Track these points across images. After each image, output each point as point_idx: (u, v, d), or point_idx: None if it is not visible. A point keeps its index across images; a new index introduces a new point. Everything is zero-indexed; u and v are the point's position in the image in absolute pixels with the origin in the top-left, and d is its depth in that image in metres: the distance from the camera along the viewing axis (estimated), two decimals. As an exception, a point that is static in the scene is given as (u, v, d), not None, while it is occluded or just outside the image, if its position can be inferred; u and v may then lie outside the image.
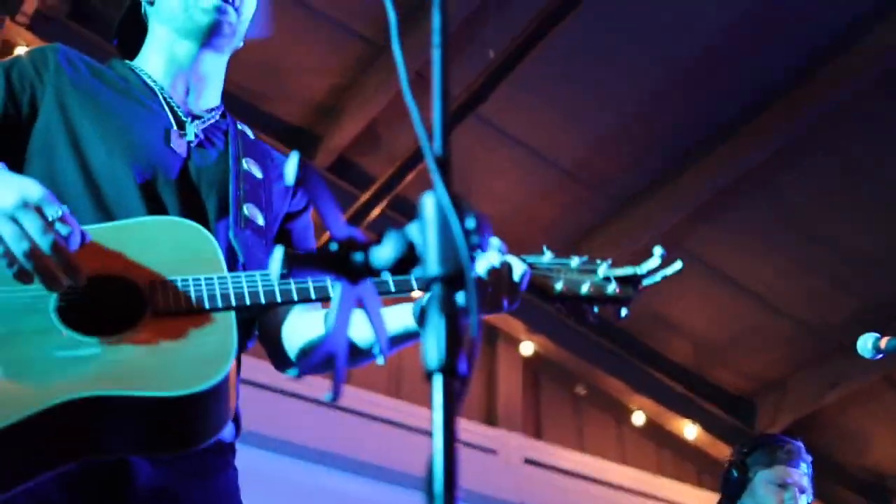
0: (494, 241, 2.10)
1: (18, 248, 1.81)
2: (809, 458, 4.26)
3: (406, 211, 7.46)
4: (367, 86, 6.81)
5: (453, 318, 1.21)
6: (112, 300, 1.94)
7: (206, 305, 1.96)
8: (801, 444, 4.29)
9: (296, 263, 1.24)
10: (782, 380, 8.54)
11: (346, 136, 7.12)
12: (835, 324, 7.84)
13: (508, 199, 7.42)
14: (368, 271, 1.30)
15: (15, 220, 1.81)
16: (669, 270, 2.21)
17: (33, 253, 1.81)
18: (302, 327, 2.30)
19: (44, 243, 1.81)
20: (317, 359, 1.26)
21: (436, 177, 1.29)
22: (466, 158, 6.72)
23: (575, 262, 2.21)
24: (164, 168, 2.25)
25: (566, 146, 7.16)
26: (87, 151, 2.21)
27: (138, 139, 2.26)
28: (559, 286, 2.18)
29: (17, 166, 2.21)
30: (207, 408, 1.89)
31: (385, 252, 1.29)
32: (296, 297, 2.03)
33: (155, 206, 2.18)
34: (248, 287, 1.99)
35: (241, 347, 2.22)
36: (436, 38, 1.39)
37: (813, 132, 6.63)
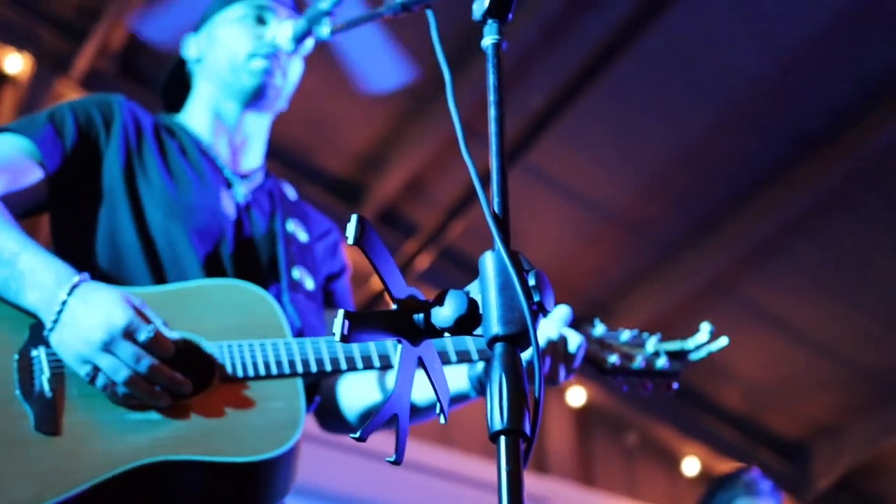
0: (562, 312, 2.12)
1: (118, 377, 1.85)
2: (769, 484, 4.17)
3: (454, 260, 7.46)
4: (412, 136, 6.85)
5: (517, 377, 1.21)
6: (181, 364, 1.95)
7: (275, 371, 1.97)
8: (758, 473, 4.21)
9: (358, 325, 1.23)
10: (838, 425, 8.39)
11: (392, 187, 7.15)
12: (890, 367, 7.71)
13: (554, 245, 7.40)
14: (430, 332, 1.30)
15: (110, 352, 1.84)
16: (715, 346, 2.26)
17: (133, 380, 1.84)
18: (359, 390, 2.30)
19: (141, 369, 1.84)
20: (380, 421, 1.25)
21: (496, 235, 1.29)
22: (512, 206, 6.70)
23: (626, 334, 2.26)
24: (217, 230, 2.27)
25: (612, 192, 7.14)
26: (145, 211, 2.23)
27: (193, 201, 2.28)
28: (613, 359, 2.22)
29: (72, 207, 2.23)
30: (276, 474, 1.90)
31: (446, 312, 1.28)
32: (360, 366, 2.04)
33: (209, 268, 2.20)
34: (314, 354, 2.01)
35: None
36: (492, 96, 1.40)
37: (862, 174, 6.56)
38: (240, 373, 1.95)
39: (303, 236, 2.45)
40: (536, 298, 1.24)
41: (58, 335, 1.87)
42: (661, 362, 2.26)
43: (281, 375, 1.97)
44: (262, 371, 1.96)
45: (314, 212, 2.60)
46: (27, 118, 2.26)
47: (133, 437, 1.83)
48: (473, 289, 1.29)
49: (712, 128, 6.58)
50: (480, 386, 2.11)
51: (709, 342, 2.29)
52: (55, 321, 1.87)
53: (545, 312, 1.25)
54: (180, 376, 1.89)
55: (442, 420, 1.36)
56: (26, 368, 1.87)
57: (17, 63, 6.34)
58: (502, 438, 1.17)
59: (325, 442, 6.71)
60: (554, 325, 2.14)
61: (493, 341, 1.23)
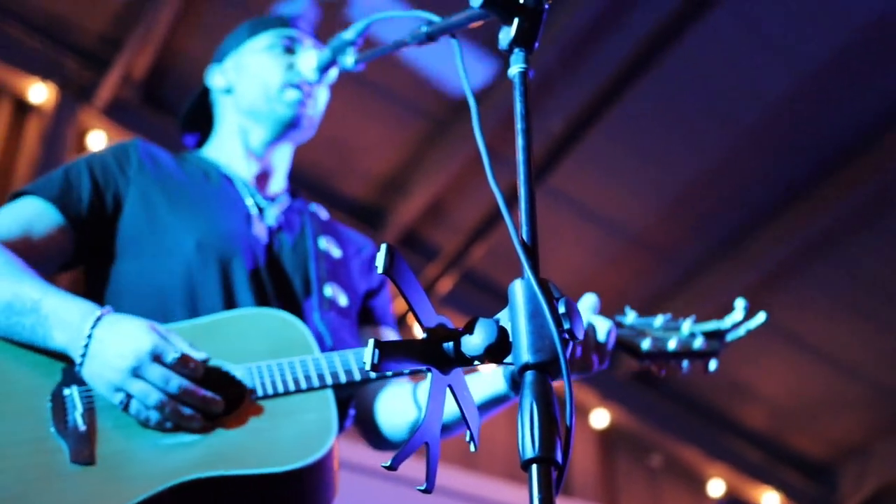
0: (588, 301, 2.11)
1: (150, 401, 1.87)
2: None
3: (476, 283, 7.47)
4: (432, 160, 6.87)
5: (548, 405, 1.21)
6: (210, 388, 1.97)
7: (304, 386, 1.99)
8: None
9: (388, 354, 1.24)
10: (864, 446, 8.33)
11: (413, 211, 7.17)
12: (916, 387, 7.66)
13: (575, 267, 7.39)
14: (459, 360, 1.31)
15: (140, 377, 1.87)
16: (753, 323, 2.23)
17: (164, 403, 1.87)
18: (394, 405, 2.31)
19: (171, 388, 1.87)
20: (410, 449, 1.26)
21: (525, 262, 1.30)
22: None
23: (659, 320, 2.23)
24: (250, 255, 2.29)
25: (633, 215, 7.14)
26: (174, 246, 2.25)
27: (222, 228, 2.30)
28: (646, 344, 2.19)
29: (103, 260, 2.26)
30: (314, 482, 1.92)
31: (476, 340, 1.29)
32: (389, 373, 2.06)
33: (243, 293, 2.21)
34: (343, 365, 2.03)
35: (340, 427, 2.24)
36: (520, 124, 1.40)
37: (884, 193, 6.54)
38: (269, 391, 1.98)
39: (336, 252, 2.47)
40: (566, 326, 1.24)
41: (88, 368, 1.91)
42: (698, 343, 2.22)
43: (310, 389, 2.00)
44: (290, 387, 1.99)
45: (346, 229, 2.61)
46: (44, 178, 2.30)
47: (168, 459, 1.86)
48: (503, 316, 1.30)
49: (733, 149, 6.57)
50: (516, 385, 2.09)
51: (745, 319, 2.25)
52: (83, 355, 1.91)
53: (575, 340, 1.25)
54: (210, 394, 1.91)
55: (472, 448, 1.37)
56: (60, 407, 1.91)
57: (41, 93, 6.40)
58: (534, 467, 1.17)
59: (349, 467, 6.71)
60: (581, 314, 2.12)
61: (523, 369, 1.23)
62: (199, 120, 2.67)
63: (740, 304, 2.27)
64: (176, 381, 1.88)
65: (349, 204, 7.19)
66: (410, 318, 7.52)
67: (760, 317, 2.24)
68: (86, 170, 2.29)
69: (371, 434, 2.38)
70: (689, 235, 7.24)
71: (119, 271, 2.25)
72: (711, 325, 2.25)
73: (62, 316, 1.93)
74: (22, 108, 6.53)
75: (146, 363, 1.87)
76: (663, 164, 6.74)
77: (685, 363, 2.24)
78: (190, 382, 1.90)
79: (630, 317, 2.25)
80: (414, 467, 1.34)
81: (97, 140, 6.53)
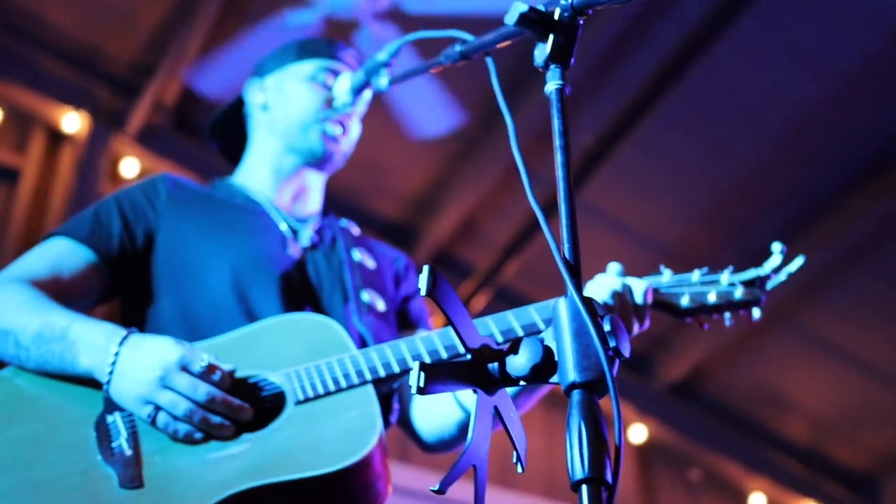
0: (613, 266, 2.09)
1: (179, 410, 1.89)
2: None
3: (510, 300, 7.44)
4: (463, 178, 6.88)
5: (596, 425, 1.20)
6: (252, 397, 1.98)
7: (343, 384, 1.99)
8: None
9: (433, 376, 1.23)
10: (907, 455, 8.24)
11: (445, 229, 7.17)
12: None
13: (610, 282, 7.36)
14: (505, 381, 1.29)
15: (168, 387, 1.88)
16: (793, 267, 2.18)
17: (193, 411, 1.88)
18: (433, 408, 2.30)
19: (199, 397, 1.89)
20: (459, 472, 1.25)
21: (568, 281, 1.29)
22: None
23: (696, 275, 2.20)
24: (287, 277, 2.30)
25: (666, 227, 7.11)
26: (209, 274, 2.26)
27: (256, 253, 2.31)
28: (685, 301, 2.16)
29: (138, 295, 2.28)
30: (363, 480, 1.91)
31: (521, 360, 1.28)
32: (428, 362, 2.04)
33: (282, 311, 2.22)
34: (381, 359, 2.03)
35: (386, 423, 2.24)
36: (558, 141, 1.40)
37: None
38: (309, 393, 1.98)
39: (370, 263, 2.48)
40: (612, 344, 1.23)
41: (115, 386, 1.92)
42: (739, 293, 2.17)
43: (351, 387, 1.99)
44: (330, 387, 1.99)
45: (378, 242, 2.62)
46: (74, 218, 2.32)
47: (216, 473, 1.86)
48: (547, 335, 1.29)
49: (765, 159, 6.53)
50: None
51: (784, 263, 2.21)
52: (110, 373, 1.93)
53: (621, 357, 1.24)
54: (238, 401, 1.92)
55: (519, 469, 1.35)
56: (104, 435, 1.92)
57: (74, 122, 6.46)
58: (584, 487, 1.16)
59: (394, 489, 6.69)
60: (611, 277, 2.11)
61: (570, 388, 1.22)
62: (230, 128, 2.67)
63: (777, 247, 2.23)
64: (204, 389, 1.89)
65: (381, 223, 7.20)
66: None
67: (799, 260, 2.19)
68: (115, 207, 2.32)
69: (410, 433, 2.38)
70: (723, 247, 7.20)
71: (156, 305, 2.27)
72: (750, 274, 2.20)
73: (88, 339, 1.96)
74: (56, 138, 6.59)
75: (174, 373, 1.89)
76: (695, 176, 6.70)
77: (727, 315, 2.20)
78: (217, 390, 1.90)
79: (665, 275, 2.22)
80: (461, 488, 1.33)
81: (130, 167, 6.58)
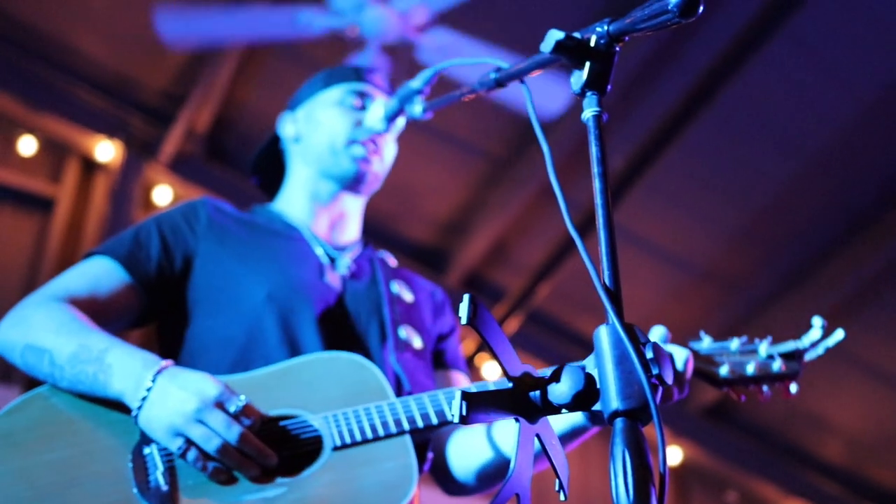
0: (657, 331, 2.08)
1: (210, 446, 1.89)
2: None
3: (542, 323, 7.44)
4: (493, 201, 6.88)
5: (640, 452, 1.19)
6: (290, 439, 1.98)
7: (381, 433, 1.98)
8: None
9: (476, 405, 1.23)
10: (946, 476, 8.12)
11: (476, 252, 7.18)
12: None
13: (642, 304, 7.33)
14: (547, 409, 1.29)
15: (202, 422, 1.88)
16: (832, 341, 2.17)
17: (225, 449, 1.88)
18: (470, 447, 2.29)
19: (231, 437, 1.88)
20: (501, 501, 1.24)
21: (609, 308, 1.28)
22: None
23: (735, 343, 2.19)
24: (322, 304, 2.30)
25: (699, 248, 7.08)
26: (246, 300, 2.26)
27: (293, 280, 2.31)
28: (724, 371, 2.15)
29: (175, 319, 2.29)
30: None
31: (563, 388, 1.27)
32: None
33: (317, 343, 2.22)
34: (419, 409, 2.01)
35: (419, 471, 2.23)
36: (596, 168, 1.39)
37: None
38: (347, 439, 1.97)
39: (408, 296, 2.46)
40: (655, 371, 1.22)
41: (146, 412, 1.92)
42: (777, 365, 2.16)
43: (388, 436, 1.98)
44: (368, 434, 1.98)
45: (415, 275, 2.61)
46: (114, 238, 2.33)
47: None
48: (589, 363, 1.28)
49: (798, 178, 6.50)
50: (594, 415, 2.06)
51: (823, 337, 2.20)
52: (144, 398, 1.92)
53: (664, 385, 1.23)
54: (266, 448, 1.91)
55: (562, 497, 1.35)
56: (140, 466, 1.92)
57: (108, 151, 6.53)
58: (629, 517, 1.15)
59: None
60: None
61: (613, 416, 1.21)
62: (270, 165, 2.69)
63: (818, 322, 2.22)
64: (237, 429, 1.88)
65: (412, 247, 7.22)
66: (478, 359, 7.51)
67: (839, 334, 2.18)
68: (155, 230, 2.32)
69: (442, 476, 2.35)
70: (757, 267, 7.15)
71: (193, 330, 2.27)
72: (789, 346, 2.20)
73: (125, 364, 1.96)
74: (90, 167, 6.67)
75: (209, 408, 1.89)
76: (727, 196, 6.67)
77: (765, 388, 2.20)
78: (249, 432, 1.91)
79: (705, 342, 2.21)
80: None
81: (163, 194, 6.64)
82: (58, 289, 2.18)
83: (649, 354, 1.24)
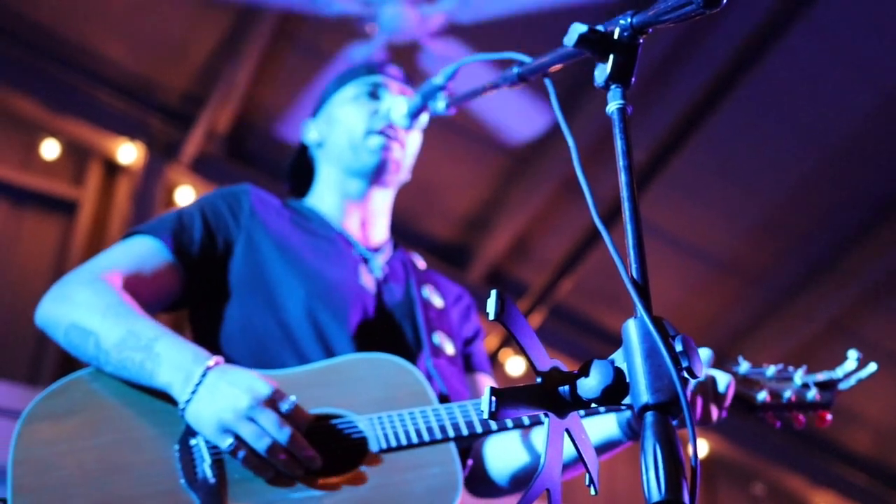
0: (704, 354, 2.09)
1: (260, 445, 1.88)
2: None
3: (565, 318, 7.42)
4: (515, 197, 6.87)
5: (671, 446, 1.18)
6: (333, 440, 1.98)
7: (427, 438, 1.98)
8: None
9: (505, 401, 1.23)
10: (975, 465, 8.07)
11: (498, 248, 7.17)
12: None
13: (665, 296, 7.31)
14: (576, 403, 1.28)
15: (253, 420, 1.88)
16: (864, 373, 2.21)
17: (274, 448, 1.87)
18: (505, 451, 2.29)
19: (282, 437, 1.88)
20: (532, 497, 1.24)
21: (637, 302, 1.27)
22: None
23: (771, 370, 2.22)
24: (360, 305, 2.29)
25: (721, 240, 7.04)
26: (284, 294, 2.26)
27: (332, 279, 2.31)
28: (762, 395, 2.17)
29: (209, 302, 2.28)
30: None
31: (592, 382, 1.27)
32: (510, 425, 2.03)
33: (355, 343, 2.22)
34: (463, 417, 2.01)
35: None
36: (622, 161, 1.38)
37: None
38: (392, 443, 1.97)
39: (438, 302, 2.46)
40: (685, 364, 1.22)
41: (195, 406, 1.91)
42: (812, 394, 2.21)
43: (433, 442, 1.98)
44: (414, 439, 1.97)
45: (443, 278, 2.61)
46: (157, 219, 2.33)
47: None
48: (618, 357, 1.28)
49: (820, 168, 6.46)
50: (631, 431, 2.07)
51: (857, 369, 2.24)
52: (193, 392, 1.91)
53: (694, 377, 1.22)
54: (312, 451, 1.91)
55: (592, 491, 1.34)
56: (187, 457, 1.91)
57: (130, 153, 6.55)
58: (660, 511, 1.14)
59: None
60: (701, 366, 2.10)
61: (643, 410, 1.20)
62: (303, 176, 2.68)
63: (853, 354, 2.26)
64: (287, 430, 1.87)
65: (434, 244, 7.22)
66: (501, 355, 7.50)
67: (871, 367, 2.23)
68: (198, 213, 2.32)
69: (480, 482, 2.34)
70: (780, 259, 7.12)
71: (226, 315, 2.26)
72: (824, 376, 2.25)
73: (174, 356, 1.94)
74: (112, 169, 6.70)
75: (262, 407, 1.88)
76: (750, 188, 6.64)
77: (802, 418, 2.24)
78: (298, 434, 1.90)
79: (743, 366, 2.25)
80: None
81: (185, 195, 6.67)
82: (103, 266, 2.17)
83: (679, 347, 1.23)
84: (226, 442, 1.88)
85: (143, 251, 2.23)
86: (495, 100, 5.22)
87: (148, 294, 2.18)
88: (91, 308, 2.04)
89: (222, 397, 1.89)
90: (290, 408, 1.90)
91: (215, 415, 1.88)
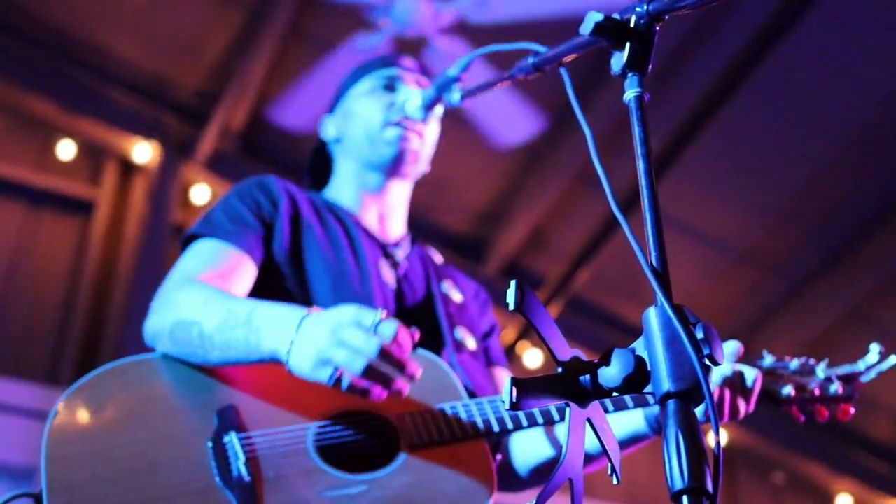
0: (732, 347, 2.09)
1: (356, 367, 1.79)
2: None
3: (582, 309, 7.41)
4: (530, 189, 6.86)
5: (694, 434, 1.18)
6: (365, 436, 1.97)
7: (459, 435, 1.97)
8: None
9: (526, 391, 1.23)
10: None
11: (514, 241, 7.16)
12: None
13: (682, 286, 7.29)
14: (597, 392, 1.28)
15: (343, 344, 1.80)
16: (886, 366, 2.21)
17: (371, 368, 1.79)
18: (529, 445, 2.29)
19: (371, 349, 1.78)
20: (554, 487, 1.24)
21: (657, 290, 1.27)
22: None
23: (794, 364, 2.22)
24: (382, 300, 2.29)
25: (738, 229, 7.02)
26: (312, 285, 2.26)
27: (356, 272, 2.31)
28: (787, 389, 2.19)
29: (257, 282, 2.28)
30: None
31: (613, 371, 1.26)
32: (540, 420, 2.03)
33: None
34: (494, 413, 2.00)
35: None
36: (640, 149, 1.38)
37: None
38: (425, 439, 1.96)
39: (457, 297, 2.46)
40: (706, 351, 1.21)
41: (295, 355, 1.84)
42: (835, 387, 2.23)
43: (466, 438, 1.97)
44: (446, 436, 1.97)
45: (459, 273, 2.61)
46: (207, 220, 2.31)
47: None
48: (639, 346, 1.27)
49: (836, 156, 6.43)
50: (658, 425, 2.07)
51: (879, 362, 2.24)
52: (292, 342, 1.85)
53: (716, 364, 1.22)
54: (407, 357, 1.83)
55: (615, 480, 1.34)
56: (221, 455, 1.89)
57: (145, 152, 6.57)
58: (685, 498, 1.14)
59: None
60: (728, 362, 2.11)
61: (665, 398, 1.20)
62: (322, 172, 2.68)
63: (875, 347, 2.26)
64: (375, 342, 1.78)
65: (450, 237, 7.22)
66: (519, 347, 7.50)
67: (893, 359, 2.23)
68: (239, 203, 2.32)
69: (505, 476, 2.34)
70: (798, 246, 7.09)
71: (265, 295, 2.25)
72: (846, 369, 2.26)
73: (271, 321, 1.90)
74: (128, 169, 6.72)
75: (346, 328, 1.80)
76: (767, 177, 6.61)
77: (826, 412, 2.25)
78: (388, 342, 1.81)
79: (767, 360, 2.25)
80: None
81: (201, 193, 6.68)
82: (187, 273, 2.16)
83: (700, 335, 1.22)
84: (326, 373, 1.81)
85: (213, 252, 2.22)
86: (492, 101, 5.23)
87: (234, 289, 2.16)
88: (191, 302, 2.03)
89: (312, 335, 1.83)
90: (377, 321, 1.83)
91: (311, 353, 1.82)
